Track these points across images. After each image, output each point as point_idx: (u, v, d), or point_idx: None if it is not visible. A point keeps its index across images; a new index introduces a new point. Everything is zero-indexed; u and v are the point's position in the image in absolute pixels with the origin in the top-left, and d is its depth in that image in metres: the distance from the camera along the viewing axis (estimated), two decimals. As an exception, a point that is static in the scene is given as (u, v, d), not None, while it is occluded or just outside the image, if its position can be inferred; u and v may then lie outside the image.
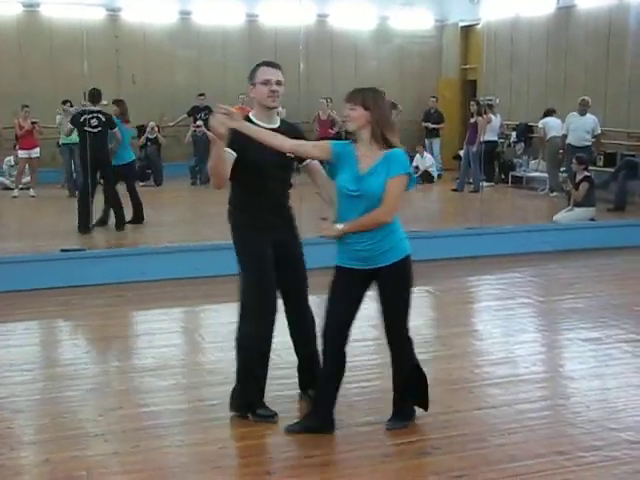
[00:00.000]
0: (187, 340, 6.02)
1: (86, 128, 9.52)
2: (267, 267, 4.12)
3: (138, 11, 15.27)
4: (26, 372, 5.09)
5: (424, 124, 15.79)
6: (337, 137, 13.22)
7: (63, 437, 4.10)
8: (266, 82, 4.09)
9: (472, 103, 14.15)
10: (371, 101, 3.83)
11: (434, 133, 15.71)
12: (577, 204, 10.17)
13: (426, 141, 15.65)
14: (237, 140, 3.94)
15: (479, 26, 16.16)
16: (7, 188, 13.53)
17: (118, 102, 10.63)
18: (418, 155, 15.00)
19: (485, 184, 12.81)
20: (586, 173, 10.32)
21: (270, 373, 4.79)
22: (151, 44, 15.39)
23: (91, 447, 3.97)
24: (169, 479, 3.70)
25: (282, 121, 4.27)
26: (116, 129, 9.85)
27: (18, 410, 4.47)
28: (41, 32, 14.78)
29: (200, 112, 14.27)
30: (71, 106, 12.43)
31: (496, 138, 14.36)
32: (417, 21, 17.10)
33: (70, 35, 13.54)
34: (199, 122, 14.11)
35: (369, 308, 4.92)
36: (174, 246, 8.17)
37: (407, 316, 3.98)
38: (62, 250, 7.65)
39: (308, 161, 4.16)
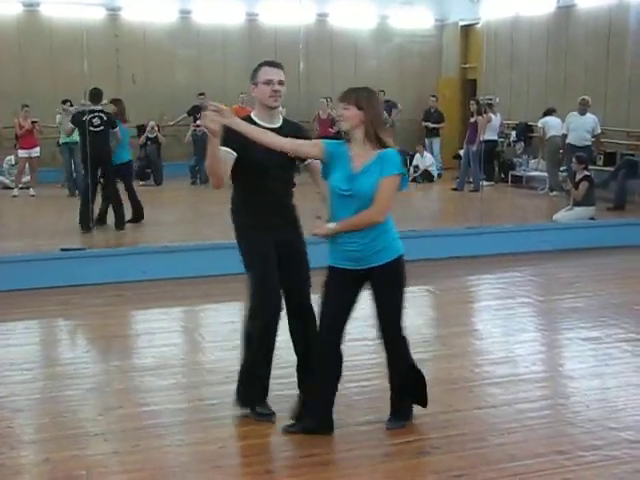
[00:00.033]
0: (187, 339, 6.02)
1: (89, 127, 9.56)
2: (270, 267, 4.12)
3: (138, 10, 15.27)
4: (26, 371, 5.09)
5: (424, 123, 15.80)
6: (337, 136, 13.16)
7: (63, 436, 4.10)
8: (268, 82, 4.09)
9: (472, 102, 14.15)
10: (365, 101, 3.82)
11: (434, 132, 15.72)
12: (577, 203, 10.17)
13: (426, 140, 15.66)
14: (237, 140, 3.94)
15: (479, 25, 16.16)
16: (7, 187, 13.54)
17: (116, 101, 10.64)
18: (418, 154, 15.01)
19: (485, 183, 12.81)
20: (586, 172, 10.32)
21: (271, 372, 4.79)
22: (151, 43, 15.39)
23: (91, 446, 3.98)
24: (169, 478, 3.70)
25: (285, 120, 4.25)
26: (117, 128, 9.89)
27: (18, 409, 4.47)
28: (41, 31, 14.79)
29: (200, 112, 14.24)
30: (71, 105, 12.43)
31: (496, 137, 14.36)
32: (417, 20, 17.11)
33: (70, 34, 13.55)
34: (199, 122, 14.10)
35: (368, 308, 4.92)
36: (174, 245, 8.17)
37: (401, 316, 3.99)
38: (62, 249, 7.65)
39: (309, 161, 4.15)
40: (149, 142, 14.52)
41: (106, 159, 9.74)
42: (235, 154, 4.01)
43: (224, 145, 4.00)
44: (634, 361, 5.28)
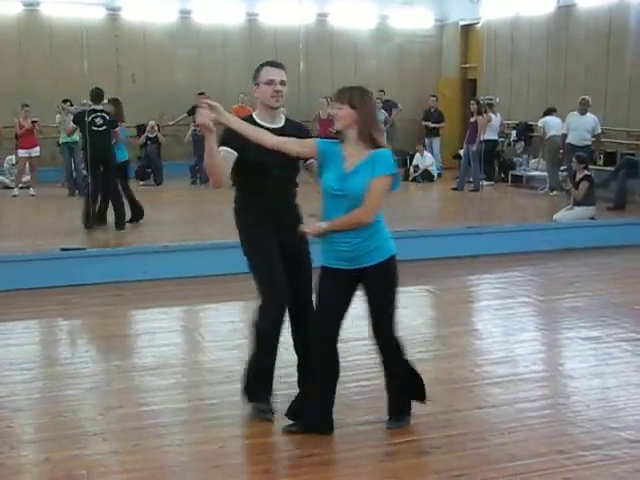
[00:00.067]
0: (187, 339, 6.02)
1: (92, 127, 9.59)
2: (274, 266, 4.11)
3: (138, 10, 15.28)
4: (26, 371, 5.09)
5: (424, 123, 15.80)
6: (338, 136, 13.15)
7: (63, 436, 4.10)
8: (270, 82, 4.08)
9: (472, 102, 14.16)
10: (358, 100, 3.80)
11: (434, 132, 15.72)
12: (577, 203, 10.17)
13: (426, 140, 15.66)
14: (237, 140, 3.94)
15: (479, 25, 16.17)
16: (7, 187, 13.54)
17: (114, 101, 10.66)
18: (418, 154, 15.01)
19: (485, 183, 12.82)
20: (586, 172, 10.32)
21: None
22: (151, 43, 15.39)
23: (91, 446, 3.97)
24: (169, 478, 3.70)
25: (287, 120, 4.24)
26: (118, 128, 9.93)
27: (18, 409, 4.47)
28: (41, 31, 14.79)
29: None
30: (71, 105, 12.44)
31: (496, 137, 14.36)
32: (417, 20, 17.11)
33: (70, 34, 13.56)
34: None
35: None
36: (174, 245, 8.17)
37: (393, 316, 3.95)
38: (62, 249, 7.65)
39: (311, 160, 4.14)
40: (149, 142, 14.53)
41: (108, 159, 9.79)
42: (236, 153, 4.01)
43: (224, 145, 4.00)
44: (634, 361, 5.28)
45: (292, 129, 4.14)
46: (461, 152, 14.62)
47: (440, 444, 3.93)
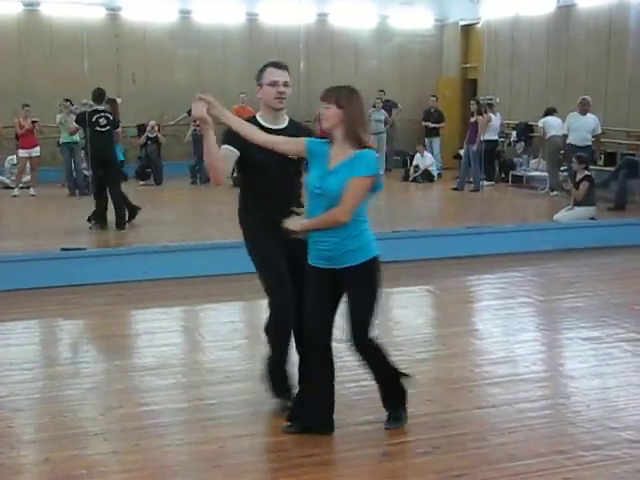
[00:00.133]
0: (187, 339, 6.02)
1: (96, 127, 9.61)
2: (277, 265, 4.11)
3: (138, 10, 15.27)
4: (26, 371, 5.09)
5: (424, 123, 15.80)
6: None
7: (63, 436, 4.10)
8: (273, 83, 4.09)
9: (472, 102, 14.15)
10: (345, 100, 3.79)
11: (434, 132, 15.72)
12: (577, 203, 10.17)
13: (426, 140, 15.66)
14: (238, 140, 3.95)
15: (479, 25, 16.17)
16: (7, 187, 13.54)
17: (111, 101, 10.66)
18: (418, 154, 15.01)
19: (485, 183, 12.82)
20: (586, 172, 10.32)
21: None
22: (151, 43, 15.39)
23: (91, 446, 3.97)
24: (169, 478, 3.70)
25: (290, 121, 4.25)
26: (119, 129, 9.94)
27: (18, 409, 4.47)
28: (41, 31, 14.79)
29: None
30: (71, 104, 12.44)
31: (496, 137, 14.36)
32: (417, 20, 17.11)
33: (70, 34, 13.57)
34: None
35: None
36: (174, 245, 8.16)
37: (370, 319, 3.88)
38: (62, 249, 7.65)
39: None
40: (149, 142, 14.54)
41: (111, 159, 9.83)
42: (237, 152, 4.02)
43: (226, 143, 4.02)
44: (634, 361, 5.28)
45: (294, 130, 4.13)
46: (461, 152, 14.62)
47: (440, 444, 3.92)
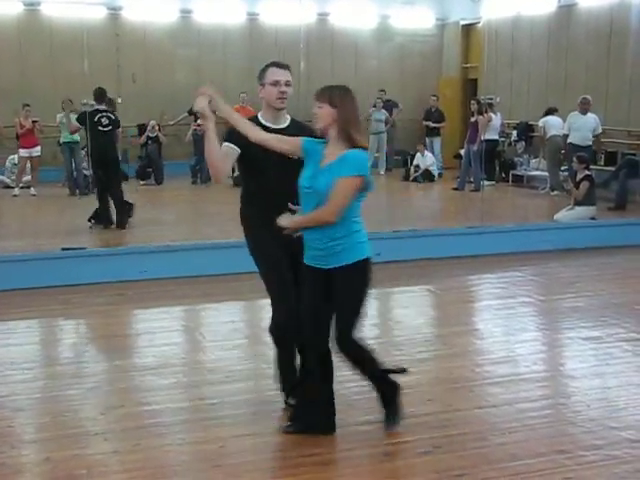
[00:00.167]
0: (188, 339, 6.02)
1: (98, 127, 9.62)
2: (277, 266, 4.12)
3: (139, 10, 15.28)
4: (27, 370, 5.09)
5: (425, 123, 15.80)
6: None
7: (64, 436, 4.10)
8: (275, 83, 4.09)
9: (473, 102, 14.15)
10: (338, 99, 3.78)
11: (435, 132, 15.72)
12: (578, 203, 10.17)
13: (427, 140, 15.66)
14: (239, 138, 3.96)
15: (480, 25, 16.17)
16: (8, 187, 13.55)
17: (109, 101, 10.67)
18: (419, 154, 15.01)
19: (486, 183, 12.82)
20: (587, 172, 10.32)
21: (272, 372, 4.79)
22: (152, 43, 15.40)
23: (92, 445, 3.98)
24: (169, 478, 3.70)
25: (292, 120, 4.25)
26: (120, 129, 9.95)
27: (19, 409, 4.47)
28: (42, 31, 14.79)
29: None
30: (71, 103, 12.45)
31: (497, 137, 14.36)
32: (418, 20, 17.11)
33: (71, 34, 13.58)
34: (200, 121, 14.11)
35: (368, 307, 4.83)
36: (175, 245, 8.17)
37: (354, 321, 3.85)
38: (63, 249, 7.65)
39: None
40: (150, 141, 14.54)
41: (113, 158, 9.83)
42: (238, 150, 4.03)
43: (227, 141, 4.04)
44: (635, 361, 5.28)
45: (296, 129, 4.14)
46: (462, 152, 14.61)
47: (441, 444, 3.93)
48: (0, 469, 3.72)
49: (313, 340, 3.92)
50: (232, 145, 4.03)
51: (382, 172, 15.85)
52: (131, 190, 11.58)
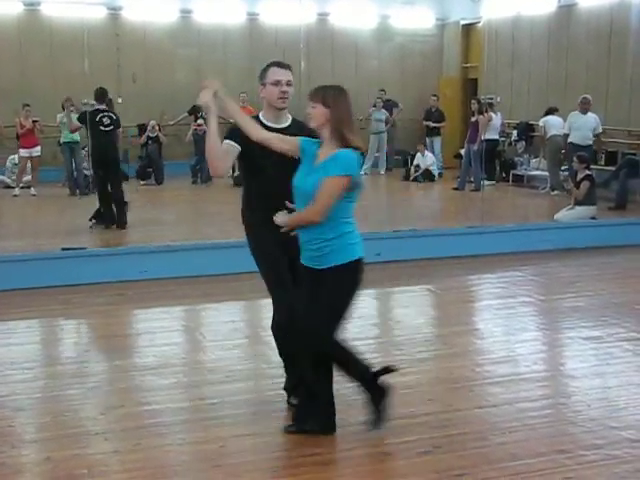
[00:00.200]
0: (188, 339, 6.02)
1: (99, 127, 9.63)
2: (277, 265, 4.13)
3: (139, 10, 15.28)
4: (27, 370, 5.09)
5: (425, 123, 15.80)
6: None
7: (64, 435, 4.10)
8: (277, 83, 4.10)
9: (473, 102, 14.15)
10: (331, 99, 3.77)
11: (435, 132, 15.72)
12: (578, 203, 10.17)
13: (427, 140, 15.65)
14: (241, 137, 3.97)
15: (480, 24, 16.16)
16: (8, 187, 13.55)
17: (108, 101, 10.67)
18: (419, 153, 15.01)
19: (486, 183, 12.82)
20: (587, 172, 10.32)
21: (272, 371, 4.80)
22: (152, 43, 15.39)
23: (92, 445, 3.98)
24: (170, 477, 3.70)
25: (293, 120, 4.25)
26: (120, 129, 9.95)
27: (19, 408, 4.47)
28: (42, 31, 14.78)
29: (201, 111, 14.26)
30: (72, 104, 12.45)
31: (497, 137, 14.36)
32: (418, 20, 17.10)
33: (71, 34, 13.57)
34: (200, 121, 14.13)
35: (369, 307, 4.92)
36: (175, 245, 8.17)
37: (335, 322, 3.82)
38: (63, 249, 7.65)
39: None
40: (150, 141, 14.54)
41: (114, 158, 9.84)
42: (239, 147, 4.04)
43: (228, 139, 4.05)
44: (635, 360, 5.28)
45: (297, 129, 4.14)
46: (462, 152, 14.61)
47: (441, 443, 3.93)
48: (0, 469, 3.73)
49: (308, 340, 3.92)
50: (233, 143, 4.04)
51: (382, 172, 15.85)
52: (131, 190, 11.58)
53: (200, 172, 14.16)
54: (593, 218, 10.04)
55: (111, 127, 9.73)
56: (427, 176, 14.74)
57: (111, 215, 9.77)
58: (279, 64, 4.18)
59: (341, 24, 16.46)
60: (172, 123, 15.11)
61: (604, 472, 3.66)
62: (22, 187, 13.14)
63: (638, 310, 6.49)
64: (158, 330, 6.00)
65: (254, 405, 4.43)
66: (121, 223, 9.76)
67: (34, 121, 13.23)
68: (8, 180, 13.82)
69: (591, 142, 11.90)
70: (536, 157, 14.38)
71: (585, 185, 10.13)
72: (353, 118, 3.87)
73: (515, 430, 4.09)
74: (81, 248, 7.80)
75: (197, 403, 4.53)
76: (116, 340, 5.85)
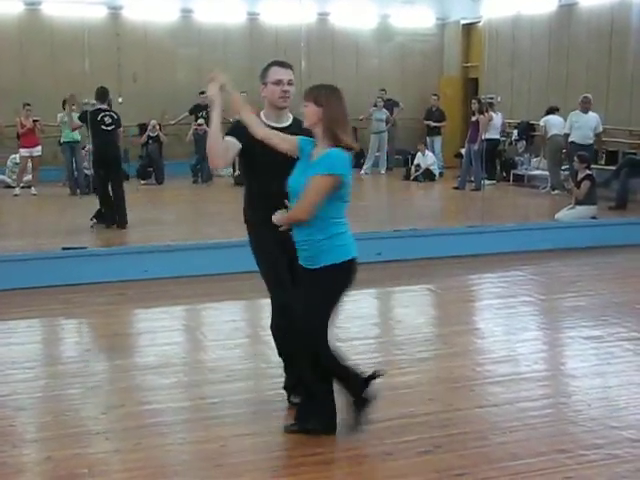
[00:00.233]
0: (188, 338, 6.02)
1: (101, 126, 9.64)
2: (276, 264, 4.14)
3: (139, 9, 15.28)
4: (28, 370, 5.10)
5: (425, 122, 15.80)
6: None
7: (65, 435, 4.10)
8: (278, 82, 4.10)
9: (473, 101, 14.15)
10: (324, 98, 3.77)
11: (435, 131, 15.72)
12: (579, 202, 10.16)
13: (427, 139, 15.66)
14: (243, 135, 3.97)
15: (480, 24, 16.16)
16: (9, 186, 13.55)
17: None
18: (420, 153, 15.00)
19: (487, 182, 12.82)
20: (588, 171, 10.32)
21: (272, 371, 4.80)
22: (152, 42, 15.39)
23: (93, 445, 3.98)
24: (170, 477, 3.70)
25: (294, 119, 4.26)
26: (121, 128, 9.95)
27: (20, 408, 4.47)
28: (42, 30, 14.79)
29: (201, 110, 14.29)
30: (72, 104, 12.45)
31: (497, 136, 14.36)
32: (418, 19, 17.10)
33: (71, 33, 13.58)
34: (200, 120, 14.14)
35: (369, 306, 4.92)
36: (175, 244, 8.17)
37: (319, 322, 3.82)
38: (63, 248, 7.65)
39: None
40: (150, 141, 14.54)
41: (116, 157, 9.84)
42: (239, 144, 4.05)
43: (229, 135, 4.06)
44: (636, 360, 5.28)
45: (298, 128, 4.14)
46: (462, 151, 14.61)
47: (441, 443, 3.93)
48: (1, 468, 3.73)
49: (306, 340, 3.92)
50: (234, 140, 4.05)
51: (383, 171, 15.85)
52: (132, 190, 11.58)
53: (201, 172, 14.16)
54: (594, 218, 10.03)
55: (112, 126, 9.74)
56: (428, 175, 14.74)
57: (112, 215, 9.78)
58: (280, 63, 4.18)
59: (341, 24, 16.47)
60: (173, 123, 15.11)
61: (604, 472, 3.66)
62: (23, 187, 13.14)
63: (638, 310, 6.49)
64: (159, 329, 6.00)
65: (254, 404, 4.44)
66: (122, 223, 9.76)
67: (35, 121, 13.23)
68: (9, 180, 13.82)
69: (592, 141, 11.90)
70: (537, 157, 14.38)
71: (586, 185, 10.13)
72: (347, 117, 3.86)
73: (515, 430, 4.09)
74: (82, 248, 7.81)
75: (198, 402, 4.53)
76: (117, 339, 5.86)
